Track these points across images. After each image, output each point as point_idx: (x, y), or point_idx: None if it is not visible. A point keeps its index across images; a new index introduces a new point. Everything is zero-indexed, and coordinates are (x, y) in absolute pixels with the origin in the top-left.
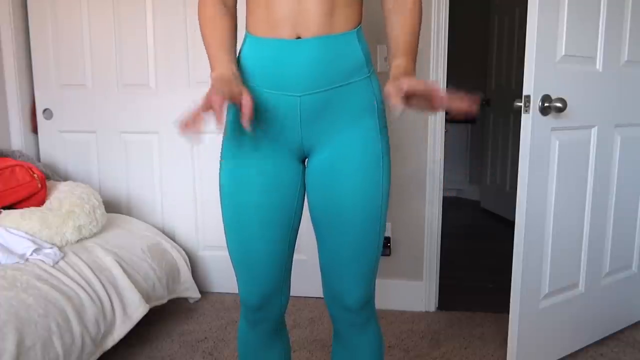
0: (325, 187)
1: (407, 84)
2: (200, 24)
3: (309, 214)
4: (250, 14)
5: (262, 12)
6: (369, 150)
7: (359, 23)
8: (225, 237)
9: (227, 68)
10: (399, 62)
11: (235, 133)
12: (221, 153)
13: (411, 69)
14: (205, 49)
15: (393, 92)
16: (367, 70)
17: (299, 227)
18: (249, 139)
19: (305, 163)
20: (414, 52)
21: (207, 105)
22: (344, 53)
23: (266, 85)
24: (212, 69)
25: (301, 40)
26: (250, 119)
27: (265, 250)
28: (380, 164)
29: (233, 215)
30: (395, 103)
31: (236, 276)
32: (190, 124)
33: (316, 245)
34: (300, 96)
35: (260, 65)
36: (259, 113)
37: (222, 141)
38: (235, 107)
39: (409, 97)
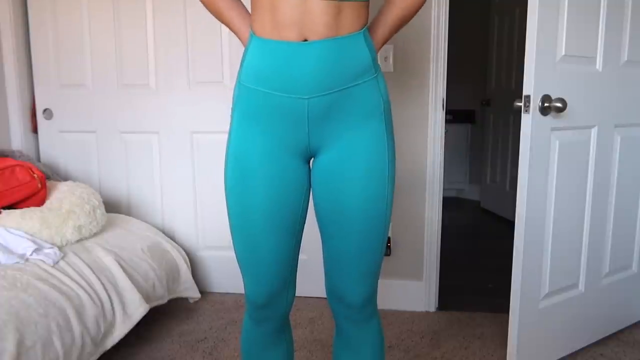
0: (330, 187)
1: None
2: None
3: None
4: (255, 15)
5: (267, 14)
6: (375, 151)
7: (365, 24)
8: (232, 236)
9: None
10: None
11: (241, 134)
12: (226, 153)
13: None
14: (221, 19)
15: None
16: (374, 70)
17: (304, 226)
18: (255, 140)
19: (311, 163)
20: (392, 32)
21: None
22: (351, 55)
23: (273, 88)
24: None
25: (308, 43)
26: None
27: (271, 250)
28: (385, 166)
29: (239, 216)
30: None
31: (242, 274)
32: None
33: (316, 245)
34: (308, 99)
35: (267, 68)
36: (267, 115)
37: (228, 142)
38: (242, 109)
39: None
